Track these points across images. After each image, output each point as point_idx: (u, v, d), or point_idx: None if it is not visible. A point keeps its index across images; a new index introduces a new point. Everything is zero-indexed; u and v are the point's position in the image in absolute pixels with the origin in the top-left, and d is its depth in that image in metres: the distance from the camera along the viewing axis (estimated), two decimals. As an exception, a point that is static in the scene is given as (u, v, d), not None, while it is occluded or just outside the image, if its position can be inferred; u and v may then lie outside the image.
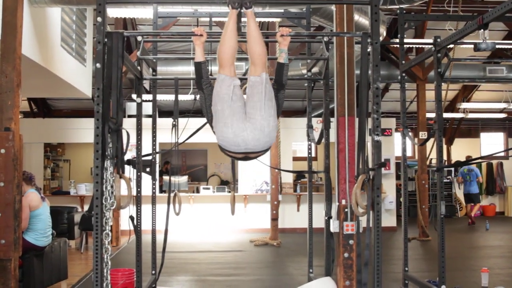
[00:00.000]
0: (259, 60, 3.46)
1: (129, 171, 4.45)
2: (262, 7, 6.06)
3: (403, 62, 6.28)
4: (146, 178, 5.57)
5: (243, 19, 3.64)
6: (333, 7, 5.73)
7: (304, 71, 10.76)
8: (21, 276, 5.52)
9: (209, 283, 7.21)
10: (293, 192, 12.75)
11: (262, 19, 7.66)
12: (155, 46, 6.07)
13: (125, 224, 8.70)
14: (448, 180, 16.38)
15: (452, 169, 16.63)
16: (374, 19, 3.86)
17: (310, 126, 5.92)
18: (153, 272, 5.72)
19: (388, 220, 12.70)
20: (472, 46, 4.76)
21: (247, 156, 3.53)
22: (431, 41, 5.60)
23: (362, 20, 7.78)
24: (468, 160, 6.37)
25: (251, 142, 3.36)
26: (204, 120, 4.35)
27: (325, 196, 5.53)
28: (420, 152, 11.61)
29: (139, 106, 5.46)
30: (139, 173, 5.31)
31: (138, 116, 5.48)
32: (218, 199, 12.45)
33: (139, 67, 5.34)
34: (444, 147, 16.47)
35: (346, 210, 5.23)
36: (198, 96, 3.73)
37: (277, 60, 3.66)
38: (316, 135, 5.82)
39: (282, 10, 6.31)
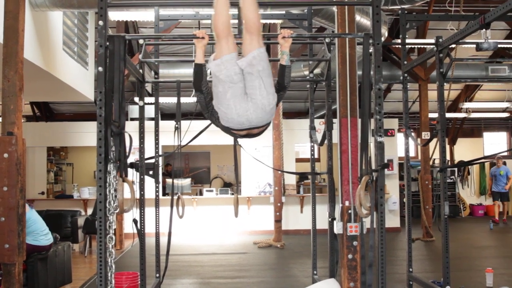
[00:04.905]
0: (254, 27, 3.40)
1: (132, 174, 4.46)
2: (263, 9, 6.06)
3: (405, 62, 6.28)
4: (149, 181, 5.56)
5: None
6: (334, 8, 5.73)
7: (306, 73, 10.77)
8: (25, 280, 5.54)
9: (213, 286, 7.20)
10: (296, 194, 12.73)
11: (264, 21, 7.64)
12: (157, 48, 6.08)
13: (129, 227, 8.71)
14: (452, 180, 16.36)
15: (456, 169, 16.62)
16: (376, 20, 3.85)
17: (312, 128, 5.92)
18: (157, 275, 5.71)
19: (392, 220, 12.69)
20: (474, 45, 4.76)
21: (250, 132, 3.57)
22: (433, 41, 5.60)
23: (364, 20, 7.77)
24: (472, 160, 6.36)
25: (254, 120, 3.45)
26: (206, 122, 4.34)
27: (329, 197, 5.53)
28: (423, 152, 11.59)
29: (142, 109, 5.46)
30: (142, 176, 5.32)
31: (141, 119, 5.48)
32: (221, 201, 12.45)
33: (141, 70, 5.35)
34: (447, 147, 16.47)
35: (349, 211, 5.22)
36: (196, 98, 3.73)
37: (279, 62, 3.66)
38: (318, 136, 5.81)
39: (284, 12, 6.30)
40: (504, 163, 15.90)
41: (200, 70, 3.62)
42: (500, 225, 13.82)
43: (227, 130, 3.58)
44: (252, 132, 3.57)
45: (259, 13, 3.49)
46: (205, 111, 3.66)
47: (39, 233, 5.99)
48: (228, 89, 3.36)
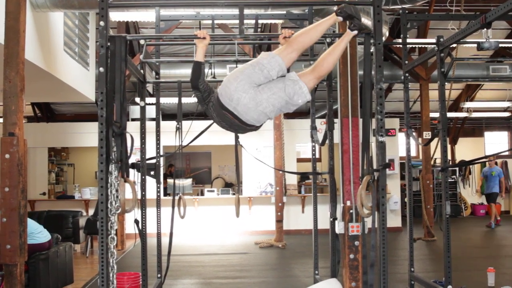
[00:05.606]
0: (319, 71, 3.58)
1: (134, 174, 4.46)
2: (264, 9, 6.05)
3: (406, 62, 6.27)
4: (150, 182, 5.56)
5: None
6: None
7: (307, 73, 10.73)
8: (27, 281, 5.53)
9: (215, 286, 7.20)
10: (298, 194, 12.73)
11: (264, 21, 7.64)
12: (158, 49, 6.08)
13: (130, 227, 8.72)
14: (453, 180, 16.34)
15: (457, 168, 16.60)
16: (377, 19, 3.85)
17: (313, 128, 5.91)
18: (159, 275, 5.71)
19: (393, 220, 12.69)
20: (475, 45, 4.75)
21: (232, 121, 3.58)
22: (434, 40, 5.59)
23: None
24: (473, 160, 6.32)
25: (241, 107, 3.48)
26: (207, 122, 4.34)
27: (330, 197, 5.52)
28: (424, 152, 11.58)
29: (143, 109, 5.47)
30: (143, 177, 5.32)
31: (142, 119, 5.49)
32: (223, 201, 12.45)
33: (142, 71, 5.35)
34: (448, 146, 16.43)
35: (351, 211, 5.22)
36: (194, 96, 3.78)
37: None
38: (320, 136, 5.81)
39: (284, 12, 6.30)
40: (505, 163, 15.87)
41: (198, 67, 3.67)
42: (502, 225, 13.79)
43: (219, 104, 3.56)
44: (234, 121, 3.58)
45: (333, 67, 3.74)
46: (202, 103, 3.76)
47: (33, 231, 6.02)
48: (251, 70, 3.48)
